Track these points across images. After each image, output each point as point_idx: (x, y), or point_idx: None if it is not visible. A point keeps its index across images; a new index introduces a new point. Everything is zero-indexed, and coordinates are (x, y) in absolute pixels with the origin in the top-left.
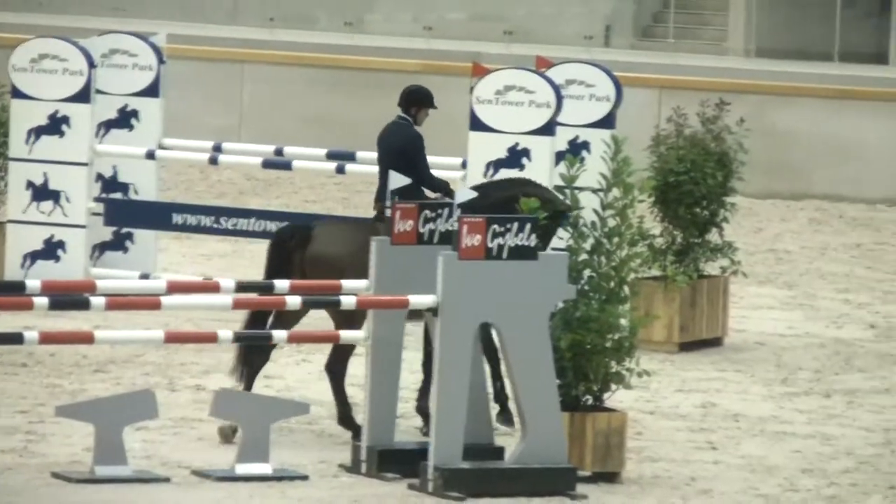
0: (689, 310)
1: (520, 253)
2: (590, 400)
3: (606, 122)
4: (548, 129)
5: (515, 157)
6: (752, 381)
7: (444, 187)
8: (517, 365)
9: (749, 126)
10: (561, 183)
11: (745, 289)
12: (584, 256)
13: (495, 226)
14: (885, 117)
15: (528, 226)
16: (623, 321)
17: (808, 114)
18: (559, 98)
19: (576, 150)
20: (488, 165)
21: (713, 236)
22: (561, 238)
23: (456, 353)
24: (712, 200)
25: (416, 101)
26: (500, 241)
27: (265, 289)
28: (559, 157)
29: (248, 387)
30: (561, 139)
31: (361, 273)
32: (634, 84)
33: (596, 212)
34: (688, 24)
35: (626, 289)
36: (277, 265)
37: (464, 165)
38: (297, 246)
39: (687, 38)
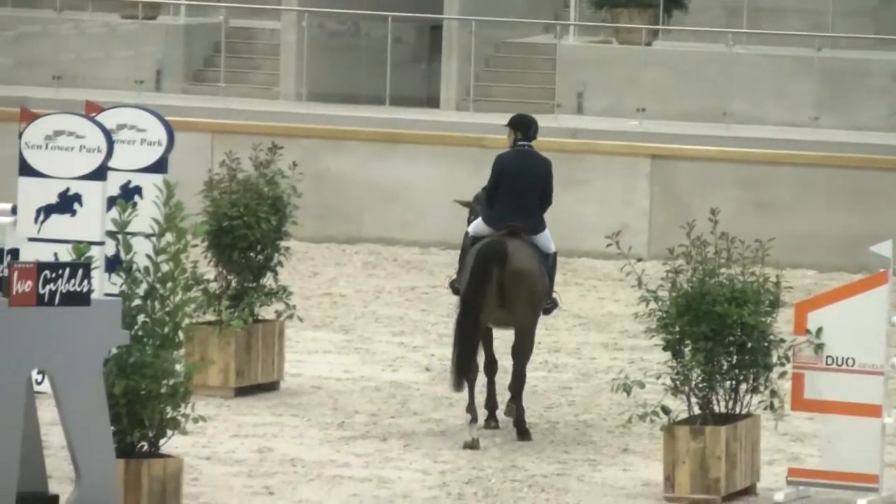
0: (245, 354)
1: (72, 299)
2: (145, 446)
3: (158, 166)
4: (99, 173)
5: (67, 202)
6: (308, 426)
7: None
8: (71, 412)
9: (302, 170)
10: (113, 228)
11: (301, 333)
12: (137, 302)
13: (47, 272)
14: (436, 160)
15: (81, 271)
16: (178, 366)
17: (359, 157)
18: (110, 143)
19: (128, 195)
20: (39, 211)
21: (268, 280)
22: (114, 284)
23: (8, 402)
24: (266, 245)
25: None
26: (51, 287)
27: None
28: (111, 202)
29: (471, 395)
30: (113, 184)
31: (545, 281)
32: (186, 128)
33: (149, 257)
34: (239, 68)
35: (181, 334)
36: (481, 276)
37: (14, 211)
38: (498, 261)
39: (238, 82)
